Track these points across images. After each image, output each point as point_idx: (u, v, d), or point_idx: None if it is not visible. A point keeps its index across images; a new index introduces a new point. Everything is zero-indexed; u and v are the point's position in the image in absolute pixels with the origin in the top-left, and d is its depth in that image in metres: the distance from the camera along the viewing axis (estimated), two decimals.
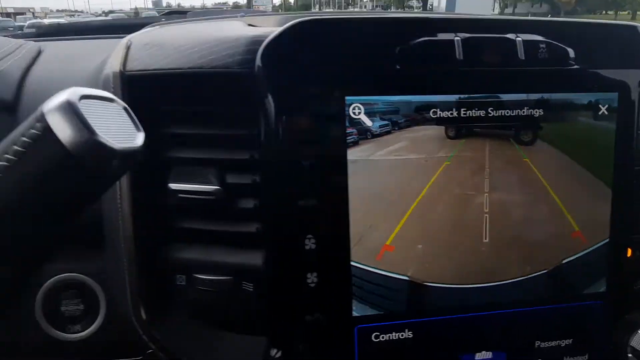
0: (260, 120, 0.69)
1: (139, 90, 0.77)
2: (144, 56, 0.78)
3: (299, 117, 0.68)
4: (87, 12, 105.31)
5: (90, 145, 0.44)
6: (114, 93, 0.76)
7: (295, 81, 0.67)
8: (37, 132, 0.45)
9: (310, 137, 0.69)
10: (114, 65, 0.78)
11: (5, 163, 0.46)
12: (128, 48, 0.80)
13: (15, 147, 0.46)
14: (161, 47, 0.78)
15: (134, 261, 0.75)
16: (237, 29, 0.81)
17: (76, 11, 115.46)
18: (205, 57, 0.73)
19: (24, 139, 0.46)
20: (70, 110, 0.45)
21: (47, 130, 0.45)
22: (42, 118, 0.46)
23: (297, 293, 0.71)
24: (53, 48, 1.22)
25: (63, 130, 0.44)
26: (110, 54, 0.83)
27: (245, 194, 0.76)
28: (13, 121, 1.00)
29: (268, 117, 0.67)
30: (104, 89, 0.79)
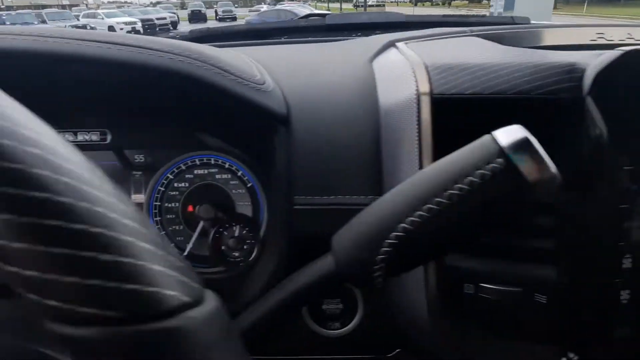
0: (583, 144, 0.72)
1: (448, 113, 0.82)
2: (453, 79, 0.83)
3: (633, 141, 0.70)
4: (136, 4, 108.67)
5: (551, 180, 0.49)
6: (421, 115, 0.82)
7: (629, 108, 0.70)
8: (498, 166, 0.50)
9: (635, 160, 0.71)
10: (420, 86, 0.84)
11: (457, 192, 0.52)
12: (427, 69, 0.86)
13: (471, 179, 0.52)
14: (467, 69, 0.83)
15: (432, 267, 0.81)
16: (541, 54, 0.85)
17: (125, 2, 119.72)
18: (531, 83, 0.77)
19: (482, 172, 0.51)
20: (532, 148, 0.50)
21: (510, 167, 0.50)
22: (501, 154, 0.51)
23: (610, 309, 0.75)
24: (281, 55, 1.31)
25: (529, 168, 0.49)
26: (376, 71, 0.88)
27: (545, 212, 0.80)
28: (288, 133, 1.08)
29: (596, 142, 0.70)
30: (408, 109, 0.85)
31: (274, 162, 1.36)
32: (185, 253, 1.57)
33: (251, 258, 1.57)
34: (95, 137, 1.56)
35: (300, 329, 0.99)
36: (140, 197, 1.58)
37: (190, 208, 1.61)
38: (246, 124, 1.33)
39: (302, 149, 1.12)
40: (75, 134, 1.53)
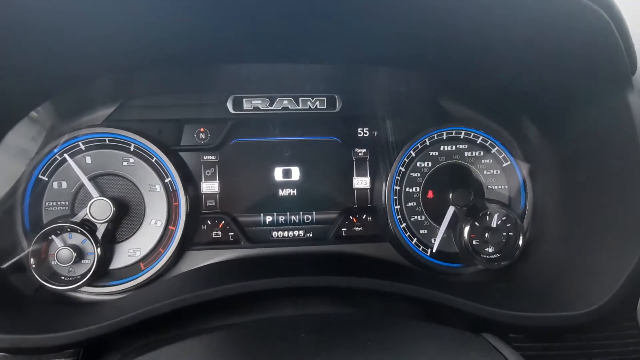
0: None
1: None
2: None
3: None
4: None
5: None
6: None
7: None
8: None
9: None
10: None
11: None
12: None
13: None
14: None
15: None
16: None
17: None
18: None
19: None
20: None
21: None
22: None
23: None
24: None
25: None
26: None
27: None
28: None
29: None
30: None
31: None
32: (434, 250, 1.29)
33: (514, 254, 1.26)
34: (322, 104, 1.29)
35: None
36: (363, 181, 1.31)
37: (430, 194, 1.31)
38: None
39: None
40: (312, 98, 1.26)
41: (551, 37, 0.87)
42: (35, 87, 1.12)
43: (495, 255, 1.26)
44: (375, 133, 1.33)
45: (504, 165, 1.31)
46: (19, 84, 1.05)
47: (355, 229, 1.33)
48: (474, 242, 1.25)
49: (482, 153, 1.31)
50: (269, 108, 1.30)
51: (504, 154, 1.30)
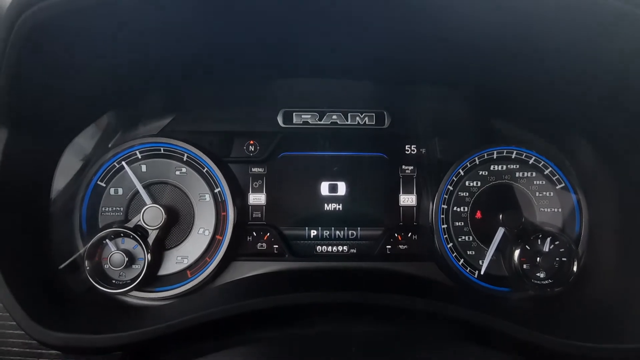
0: None
1: None
2: None
3: None
4: None
5: None
6: None
7: None
8: None
9: None
10: None
11: None
12: None
13: None
14: None
15: None
16: None
17: None
18: None
19: None
20: None
21: None
22: None
23: None
24: None
25: None
26: None
27: None
28: None
29: None
30: None
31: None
32: (482, 272, 1.25)
33: (568, 281, 1.20)
34: (371, 120, 1.29)
35: None
36: (409, 199, 1.29)
37: (478, 214, 1.28)
38: None
39: None
40: (361, 114, 1.27)
41: (618, 55, 0.85)
42: (100, 97, 1.19)
43: (547, 281, 1.21)
44: (423, 150, 1.32)
45: (557, 187, 1.27)
46: (88, 93, 1.11)
47: (400, 247, 1.31)
48: (525, 266, 1.21)
49: (534, 174, 1.27)
50: (318, 123, 1.32)
51: (557, 176, 1.26)
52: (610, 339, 1.00)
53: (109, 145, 1.26)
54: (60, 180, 1.17)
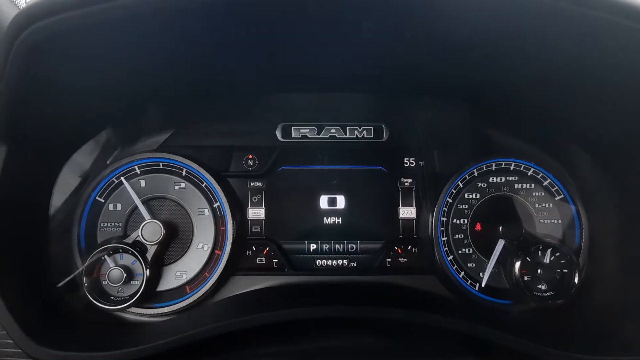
0: None
1: None
2: None
3: None
4: None
5: None
6: None
7: None
8: None
9: None
10: None
11: None
12: None
13: None
14: None
15: None
16: None
17: None
18: None
19: None
20: None
21: None
22: None
23: None
24: None
25: None
26: None
27: None
28: None
29: None
30: None
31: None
32: (483, 285, 1.24)
33: (570, 293, 1.19)
34: (369, 133, 1.30)
35: None
36: (409, 211, 1.29)
37: (478, 226, 1.27)
38: None
39: None
40: (360, 127, 1.28)
41: (617, 67, 0.85)
42: (99, 113, 1.19)
43: (548, 293, 1.20)
44: (422, 163, 1.32)
45: (556, 198, 1.27)
46: (86, 109, 1.12)
47: (400, 260, 1.30)
48: (526, 278, 1.20)
49: (533, 185, 1.27)
50: (317, 136, 1.32)
51: (556, 187, 1.26)
52: (613, 351, 0.99)
53: (108, 162, 1.26)
54: (59, 196, 1.17)
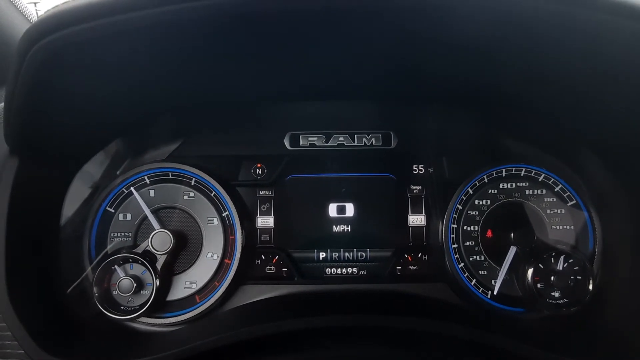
0: None
1: None
2: None
3: None
4: None
5: None
6: None
7: None
8: None
9: None
10: None
11: None
12: None
13: None
14: None
15: None
16: None
17: None
18: None
19: None
20: None
21: None
22: None
23: None
24: None
25: None
26: None
27: None
28: None
29: None
30: None
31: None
32: (495, 293, 1.22)
33: (584, 300, 1.17)
34: (378, 141, 1.29)
35: None
36: (418, 219, 1.28)
37: (489, 233, 1.26)
38: None
39: None
40: (368, 134, 1.27)
41: (630, 71, 0.84)
42: (109, 124, 1.20)
43: (562, 301, 1.18)
44: (431, 170, 1.32)
45: (568, 204, 1.25)
46: (97, 121, 1.13)
47: (411, 267, 1.29)
48: (539, 285, 1.18)
49: (544, 191, 1.26)
50: (325, 144, 1.32)
51: (568, 193, 1.25)
52: (628, 358, 0.97)
53: (118, 172, 1.27)
54: (70, 206, 1.18)
